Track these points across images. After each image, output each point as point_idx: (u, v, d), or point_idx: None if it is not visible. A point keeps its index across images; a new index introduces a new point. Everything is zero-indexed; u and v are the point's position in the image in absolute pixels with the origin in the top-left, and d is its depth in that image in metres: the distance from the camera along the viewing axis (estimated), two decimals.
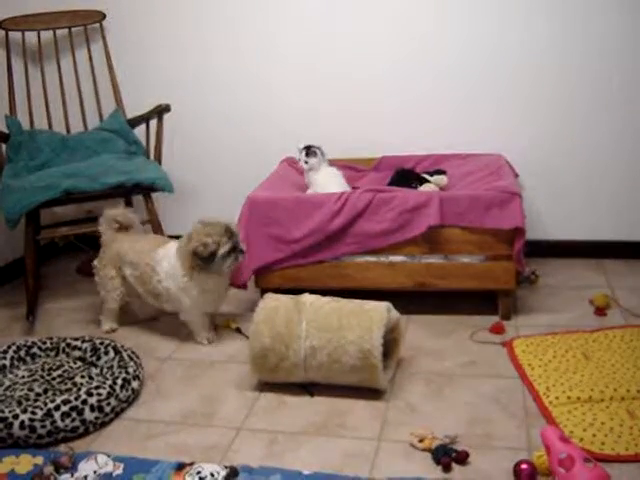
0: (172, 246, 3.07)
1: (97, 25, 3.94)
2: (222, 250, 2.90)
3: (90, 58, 3.94)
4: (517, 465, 2.08)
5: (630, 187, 3.62)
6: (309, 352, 2.55)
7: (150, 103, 3.74)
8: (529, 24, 3.50)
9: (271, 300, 2.73)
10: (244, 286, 3.27)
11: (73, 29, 3.94)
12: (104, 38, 3.92)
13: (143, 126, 3.79)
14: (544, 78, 3.56)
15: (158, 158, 3.70)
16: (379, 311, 2.58)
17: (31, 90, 3.88)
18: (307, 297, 2.71)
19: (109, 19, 3.96)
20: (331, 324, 2.56)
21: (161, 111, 3.66)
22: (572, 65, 3.51)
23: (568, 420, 2.33)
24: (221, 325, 3.26)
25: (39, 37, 3.91)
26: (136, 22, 3.96)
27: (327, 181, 3.37)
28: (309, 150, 3.38)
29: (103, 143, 3.75)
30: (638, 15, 3.39)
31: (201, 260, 2.91)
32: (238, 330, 3.19)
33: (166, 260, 3.04)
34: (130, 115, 3.90)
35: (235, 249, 2.96)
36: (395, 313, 2.68)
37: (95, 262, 3.31)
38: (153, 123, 3.73)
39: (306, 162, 3.37)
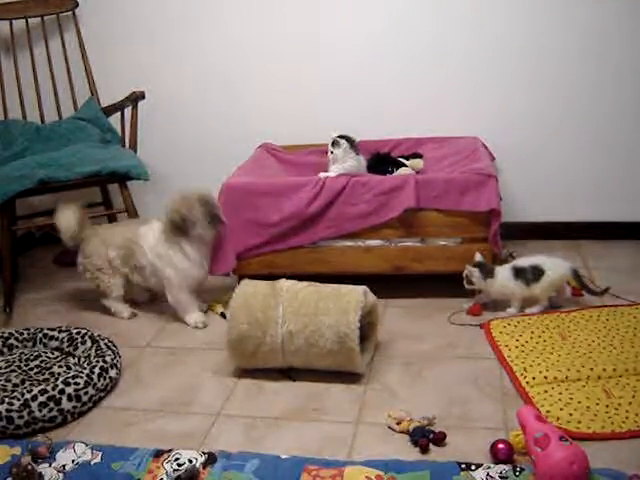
0: (156, 222, 3.15)
1: (70, 13, 3.90)
2: (195, 218, 3.02)
3: (63, 46, 3.90)
4: (494, 445, 2.09)
5: (606, 169, 3.63)
6: (286, 337, 2.55)
7: (125, 91, 3.71)
8: (508, 8, 3.50)
9: (248, 286, 2.72)
10: (228, 273, 3.27)
11: (46, 17, 3.90)
12: (77, 26, 3.88)
13: (118, 114, 3.77)
14: (521, 61, 3.56)
15: (133, 146, 3.68)
16: (355, 295, 2.58)
17: (4, 80, 3.86)
18: (284, 282, 2.70)
19: (82, 7, 3.91)
20: (308, 308, 2.56)
21: (136, 98, 3.64)
22: (549, 48, 3.52)
23: (545, 400, 2.34)
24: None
25: (11, 26, 3.86)
26: (109, 9, 3.92)
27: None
28: (334, 140, 3.24)
29: (78, 132, 3.72)
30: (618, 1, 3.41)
31: (177, 228, 3.04)
32: (222, 315, 3.17)
33: (150, 234, 3.14)
34: (105, 103, 3.87)
35: (213, 218, 3.07)
36: (372, 296, 2.69)
37: (79, 260, 3.26)
38: (128, 111, 3.71)
39: (331, 152, 3.24)
